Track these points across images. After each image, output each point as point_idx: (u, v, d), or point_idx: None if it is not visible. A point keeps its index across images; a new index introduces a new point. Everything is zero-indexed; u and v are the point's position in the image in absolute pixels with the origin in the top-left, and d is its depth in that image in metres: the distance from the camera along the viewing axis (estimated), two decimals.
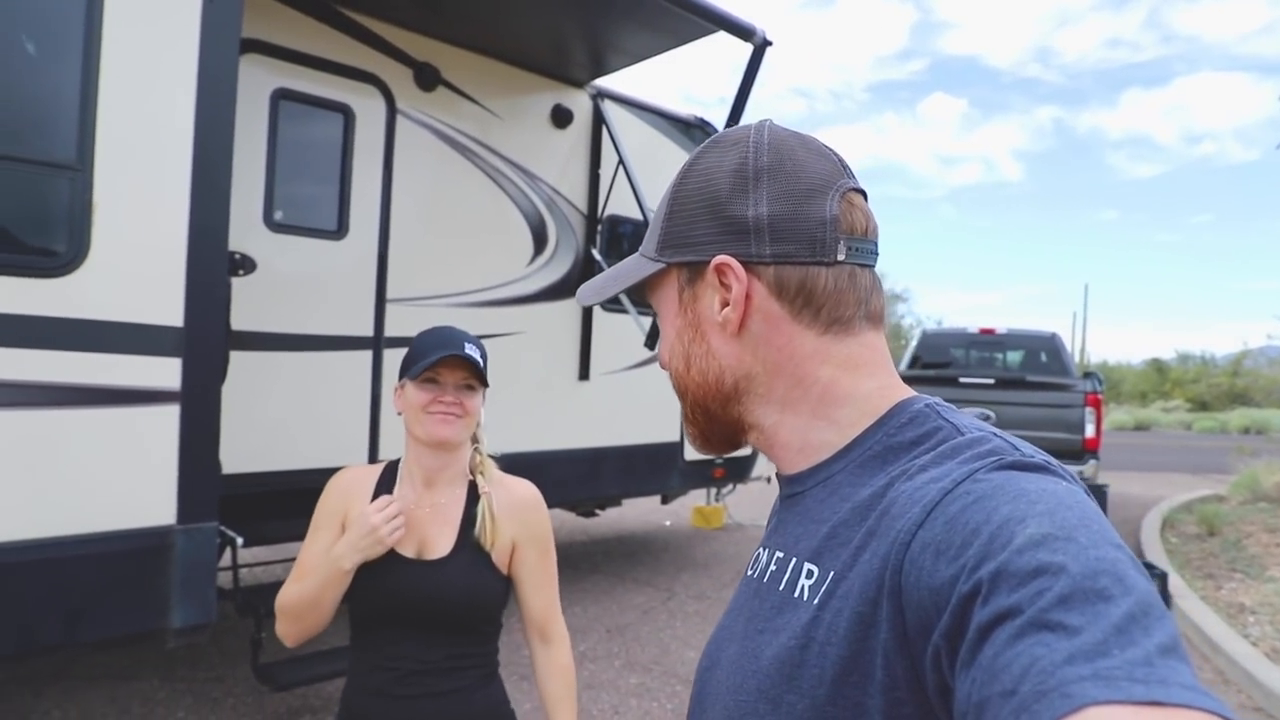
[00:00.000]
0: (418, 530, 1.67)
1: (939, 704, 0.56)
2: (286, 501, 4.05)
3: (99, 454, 2.73)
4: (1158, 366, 42.67)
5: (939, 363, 9.38)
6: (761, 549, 0.81)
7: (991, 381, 8.23)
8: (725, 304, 0.75)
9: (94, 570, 2.71)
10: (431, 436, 1.67)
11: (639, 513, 8.72)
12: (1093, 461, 7.54)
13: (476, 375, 1.70)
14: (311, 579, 1.61)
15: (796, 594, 0.69)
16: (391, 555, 1.63)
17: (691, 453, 6.21)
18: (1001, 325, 9.39)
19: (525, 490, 1.80)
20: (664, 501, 7.50)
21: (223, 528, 3.47)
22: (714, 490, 7.94)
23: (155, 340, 2.79)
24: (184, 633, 2.89)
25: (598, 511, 6.94)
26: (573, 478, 5.35)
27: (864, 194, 0.77)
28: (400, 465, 1.78)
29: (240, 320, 3.72)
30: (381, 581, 1.61)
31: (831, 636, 0.63)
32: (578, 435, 5.35)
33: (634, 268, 0.83)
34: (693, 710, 0.82)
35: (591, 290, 0.88)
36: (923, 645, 0.56)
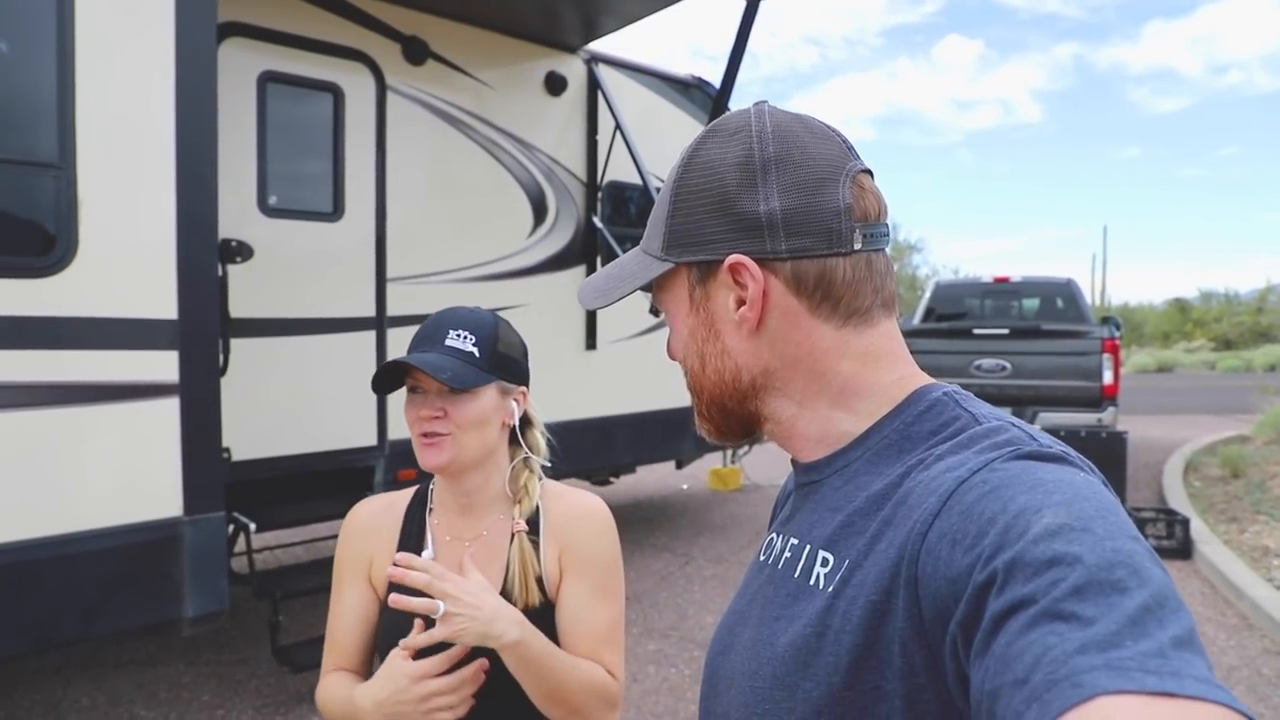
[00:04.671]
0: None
1: (958, 693, 0.56)
2: (297, 485, 4.08)
3: (102, 450, 2.74)
4: (1180, 306, 42.05)
5: (953, 314, 9.27)
6: (775, 535, 0.82)
7: (1006, 331, 8.12)
8: (741, 303, 0.73)
9: (105, 565, 2.74)
10: (424, 465, 1.31)
11: (655, 477, 8.73)
12: (1111, 409, 7.46)
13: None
14: (337, 709, 1.28)
15: (812, 582, 0.70)
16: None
17: None
18: (1017, 273, 9.27)
19: (582, 504, 1.39)
20: (679, 466, 7.52)
21: (235, 514, 3.50)
22: (730, 451, 7.94)
23: (150, 334, 2.79)
24: (198, 621, 2.93)
25: (612, 479, 6.96)
26: (585, 448, 5.34)
27: (870, 173, 0.75)
28: (431, 489, 1.42)
29: (240, 308, 3.71)
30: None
31: (846, 624, 0.63)
32: (588, 405, 5.34)
33: (640, 267, 0.81)
34: (706, 695, 0.82)
35: (595, 291, 0.85)
36: (940, 635, 0.56)
